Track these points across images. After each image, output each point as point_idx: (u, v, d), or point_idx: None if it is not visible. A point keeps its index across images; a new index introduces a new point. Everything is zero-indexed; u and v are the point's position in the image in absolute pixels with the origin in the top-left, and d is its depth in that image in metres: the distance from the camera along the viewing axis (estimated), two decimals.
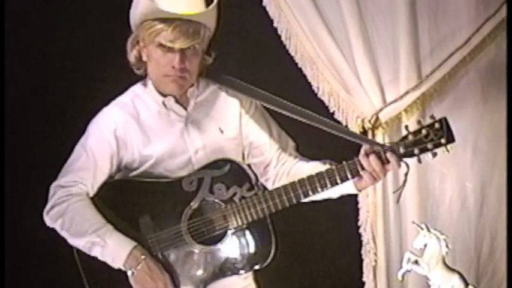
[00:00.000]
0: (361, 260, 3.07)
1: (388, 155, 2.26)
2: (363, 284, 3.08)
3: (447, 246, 2.27)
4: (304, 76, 2.97)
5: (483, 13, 2.88)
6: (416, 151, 2.25)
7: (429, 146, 2.24)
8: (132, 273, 2.30)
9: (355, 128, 2.95)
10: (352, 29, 2.87)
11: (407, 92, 2.92)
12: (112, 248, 2.29)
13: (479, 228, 3.01)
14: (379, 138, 2.95)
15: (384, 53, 2.91)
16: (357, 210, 3.03)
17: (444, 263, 2.28)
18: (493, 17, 2.87)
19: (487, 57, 2.91)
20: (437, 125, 2.23)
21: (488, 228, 3.01)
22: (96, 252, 2.31)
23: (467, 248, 3.00)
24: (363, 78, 2.92)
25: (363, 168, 2.28)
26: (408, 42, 2.88)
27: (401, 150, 2.26)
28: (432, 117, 2.26)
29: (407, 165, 2.30)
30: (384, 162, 2.27)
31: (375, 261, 3.04)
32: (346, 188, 2.36)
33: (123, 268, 2.30)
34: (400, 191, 2.39)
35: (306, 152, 2.56)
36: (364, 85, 2.93)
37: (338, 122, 2.95)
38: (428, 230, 2.28)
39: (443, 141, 2.23)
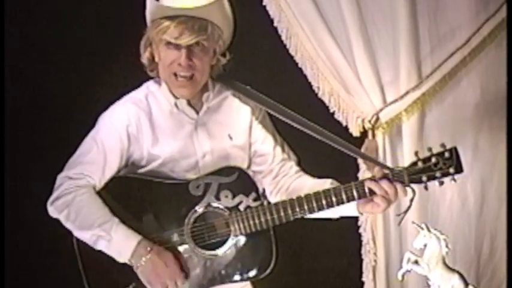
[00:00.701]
0: (361, 260, 3.07)
1: (398, 187, 2.26)
2: (362, 284, 3.08)
3: (447, 246, 2.27)
4: (305, 76, 2.97)
5: (483, 13, 2.88)
6: (424, 178, 2.26)
7: (437, 174, 2.25)
8: (138, 267, 2.29)
9: (355, 128, 2.95)
10: (352, 28, 2.87)
11: (407, 92, 2.92)
12: (117, 243, 2.28)
13: (480, 228, 3.02)
14: (379, 139, 2.96)
15: (384, 53, 2.91)
16: None
17: (444, 263, 2.27)
18: (493, 17, 2.87)
19: (487, 57, 2.91)
20: (447, 154, 2.25)
21: (488, 228, 3.02)
22: (101, 246, 2.30)
23: (468, 247, 3.00)
24: (363, 78, 2.92)
25: (372, 193, 2.27)
26: (408, 42, 2.88)
27: (410, 176, 2.27)
28: (443, 145, 2.26)
29: (414, 191, 2.30)
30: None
31: (375, 261, 3.05)
32: (348, 210, 2.36)
33: (128, 263, 2.29)
34: (403, 215, 2.39)
35: (306, 167, 2.56)
36: (365, 85, 2.93)
37: (339, 122, 2.95)
38: (428, 230, 2.28)
39: (451, 170, 2.25)
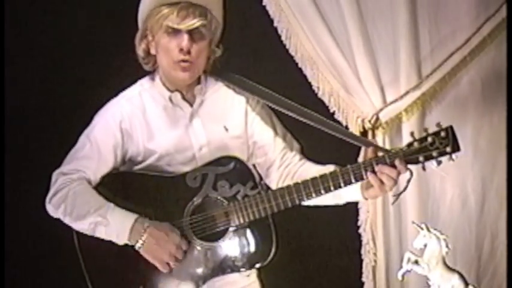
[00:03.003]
0: (361, 260, 3.07)
1: (396, 161, 2.25)
2: (362, 284, 3.08)
3: (447, 246, 2.27)
4: (304, 76, 2.97)
5: (483, 13, 2.87)
6: (421, 158, 2.26)
7: (434, 153, 2.25)
8: (140, 246, 2.29)
9: (355, 128, 2.95)
10: (352, 28, 2.87)
11: (407, 92, 2.92)
12: (114, 225, 2.28)
13: (480, 228, 3.01)
14: (379, 139, 2.95)
15: (384, 53, 2.91)
16: (357, 210, 3.03)
17: (444, 263, 2.27)
18: (493, 17, 2.86)
19: (487, 57, 2.90)
20: (443, 134, 2.24)
21: (488, 228, 3.01)
22: (100, 233, 2.30)
23: (468, 248, 3.00)
24: (363, 78, 2.92)
25: (372, 171, 2.26)
26: (408, 42, 2.88)
27: (406, 157, 2.26)
28: (438, 125, 2.26)
29: (411, 172, 2.30)
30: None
31: (375, 261, 3.04)
32: (353, 195, 2.37)
33: (129, 243, 2.29)
34: (398, 195, 2.39)
35: (310, 154, 2.56)
36: (365, 85, 2.93)
37: (338, 122, 2.95)
38: (428, 230, 2.28)
39: (448, 149, 2.24)
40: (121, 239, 2.29)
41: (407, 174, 2.29)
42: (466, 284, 2.26)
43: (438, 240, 2.27)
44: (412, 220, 2.45)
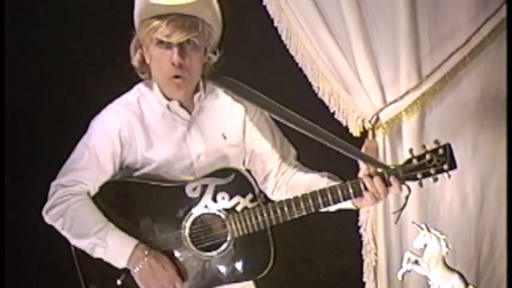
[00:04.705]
0: (362, 261, 3.06)
1: (392, 178, 2.28)
2: (364, 284, 3.07)
3: (447, 246, 2.27)
4: (305, 76, 2.96)
5: (483, 13, 2.88)
6: (419, 175, 2.28)
7: (432, 171, 2.27)
8: (136, 272, 2.29)
9: (355, 128, 2.95)
10: (352, 28, 2.87)
11: (407, 92, 2.92)
12: (114, 249, 2.28)
13: (479, 228, 3.01)
14: (379, 139, 2.95)
15: (384, 52, 2.91)
16: (357, 210, 3.02)
17: (444, 263, 2.28)
18: (493, 16, 2.87)
19: (487, 57, 2.91)
20: (441, 151, 2.27)
21: (488, 228, 3.01)
22: (98, 253, 2.30)
23: (467, 247, 3.00)
24: (363, 78, 2.92)
25: (365, 188, 2.28)
26: (408, 42, 2.88)
27: (405, 174, 2.28)
28: (436, 142, 2.28)
29: (409, 189, 2.31)
30: (387, 184, 2.29)
31: (376, 261, 3.04)
32: (345, 204, 2.37)
33: (127, 267, 2.29)
34: (399, 213, 2.40)
35: (307, 158, 2.56)
36: (365, 85, 2.93)
37: (338, 122, 2.95)
38: (428, 230, 2.28)
39: (445, 167, 2.27)
40: (120, 264, 2.30)
41: (405, 190, 2.31)
42: (466, 284, 2.26)
43: (438, 240, 2.27)
44: (412, 220, 2.45)
